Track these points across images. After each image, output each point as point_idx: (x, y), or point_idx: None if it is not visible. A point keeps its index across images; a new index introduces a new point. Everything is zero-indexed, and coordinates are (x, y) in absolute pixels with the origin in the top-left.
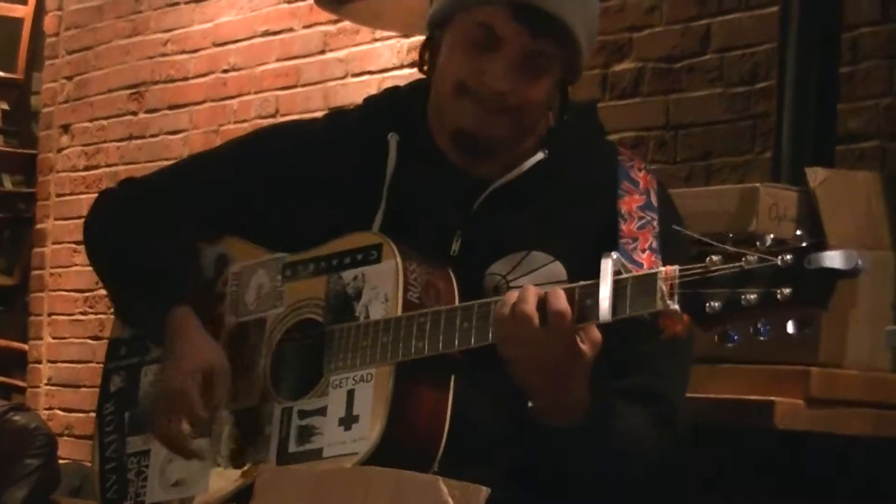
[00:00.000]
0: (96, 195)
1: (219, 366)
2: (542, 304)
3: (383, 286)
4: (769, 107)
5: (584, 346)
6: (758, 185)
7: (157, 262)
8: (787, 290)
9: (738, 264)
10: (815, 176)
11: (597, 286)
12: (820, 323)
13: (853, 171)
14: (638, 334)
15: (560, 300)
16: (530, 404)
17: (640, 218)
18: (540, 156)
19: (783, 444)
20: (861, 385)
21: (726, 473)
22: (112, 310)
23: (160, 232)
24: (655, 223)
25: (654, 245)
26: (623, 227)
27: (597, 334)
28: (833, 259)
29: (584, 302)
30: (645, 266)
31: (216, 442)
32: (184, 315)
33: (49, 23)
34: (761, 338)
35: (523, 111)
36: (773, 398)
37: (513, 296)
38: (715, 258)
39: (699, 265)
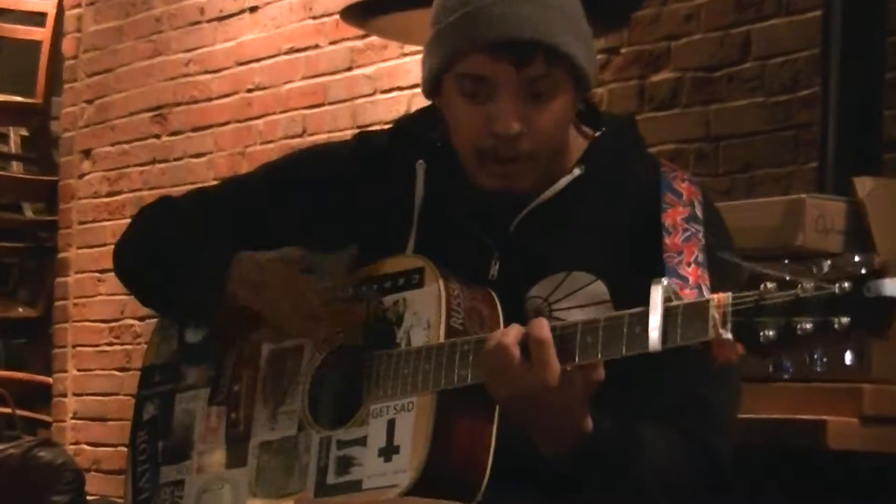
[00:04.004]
0: (126, 218)
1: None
2: (524, 338)
3: (425, 312)
4: (812, 116)
5: (578, 383)
6: (804, 196)
7: (200, 252)
8: (844, 319)
9: (793, 292)
10: (863, 186)
11: (646, 314)
12: (871, 339)
13: None
14: (681, 353)
15: (541, 329)
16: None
17: (685, 230)
18: (577, 172)
19: (836, 464)
20: None
21: (777, 495)
22: (137, 341)
23: (197, 242)
24: (701, 235)
25: (700, 258)
26: (667, 240)
27: (599, 373)
28: (894, 287)
29: (634, 330)
30: (691, 280)
31: (252, 471)
32: (244, 257)
33: (68, 45)
34: (817, 369)
35: (541, 146)
36: (824, 417)
37: (498, 332)
38: (769, 285)
39: (753, 292)
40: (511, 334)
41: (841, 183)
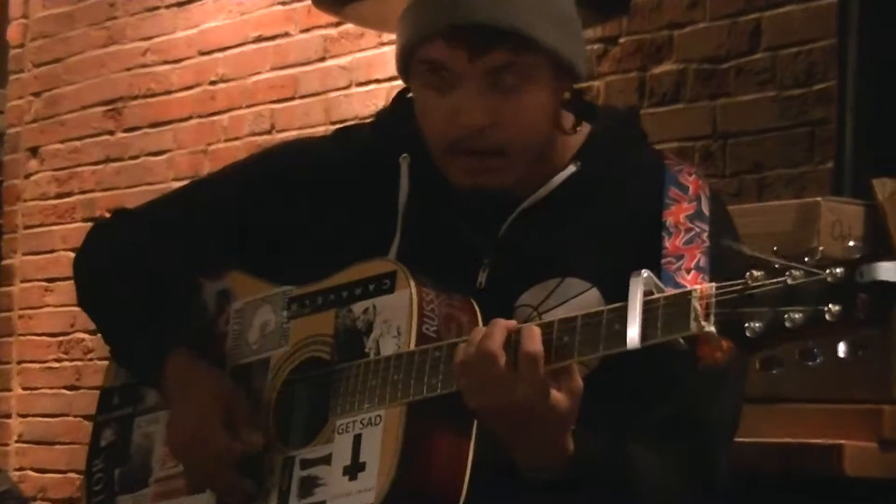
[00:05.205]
0: (76, 222)
1: (232, 394)
2: (513, 342)
3: (396, 318)
4: (828, 111)
5: (560, 395)
6: (818, 199)
7: (155, 302)
8: (836, 308)
9: (781, 279)
10: (884, 188)
11: (624, 309)
12: (890, 354)
13: None
14: (671, 357)
15: (533, 341)
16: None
17: (688, 230)
18: (572, 169)
19: (854, 492)
20: None
21: None
22: (89, 356)
23: (158, 269)
24: (705, 236)
25: (702, 263)
26: (668, 242)
27: (577, 382)
28: (889, 271)
29: (612, 327)
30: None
31: (213, 497)
32: (182, 355)
33: (13, 32)
34: (810, 363)
35: (513, 140)
36: (841, 441)
37: (479, 332)
38: (757, 273)
39: (738, 281)
40: (496, 338)
41: (859, 185)
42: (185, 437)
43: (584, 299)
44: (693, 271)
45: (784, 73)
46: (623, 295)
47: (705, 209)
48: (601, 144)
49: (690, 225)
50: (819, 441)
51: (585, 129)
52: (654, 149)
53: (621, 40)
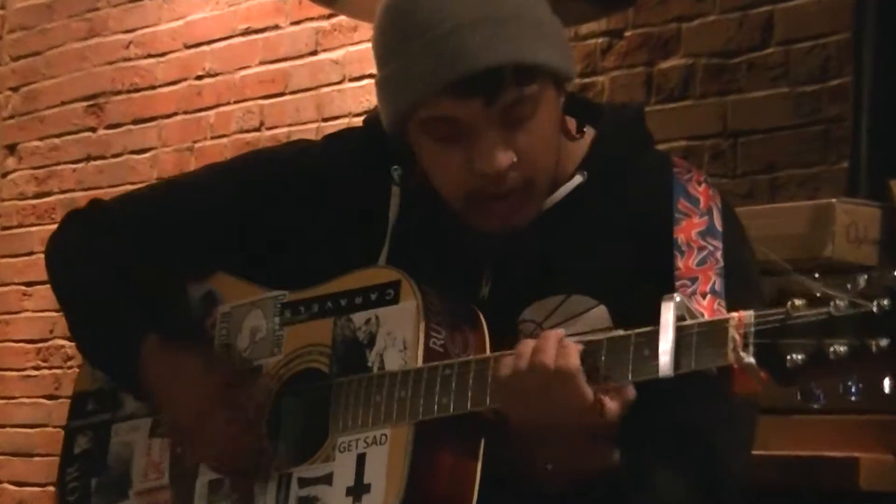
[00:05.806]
0: (56, 223)
1: (224, 371)
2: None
3: (401, 331)
4: (843, 109)
5: (612, 405)
6: (833, 200)
7: (130, 296)
8: (883, 342)
9: (825, 310)
10: None
11: (656, 334)
12: None
13: None
14: (691, 384)
15: (570, 356)
16: (549, 466)
17: (701, 248)
18: (578, 179)
19: None
20: None
21: None
22: (69, 364)
23: (136, 262)
24: (719, 254)
25: (717, 286)
26: (680, 263)
27: (629, 391)
28: None
29: (641, 352)
30: (706, 315)
31: None
32: (156, 342)
33: None
34: (852, 398)
35: (536, 169)
36: (856, 454)
37: (528, 345)
38: (798, 302)
39: (779, 310)
40: (549, 352)
41: (875, 185)
42: (188, 419)
43: (589, 317)
44: (709, 295)
45: (797, 68)
46: (631, 312)
47: (717, 224)
48: (607, 152)
49: (703, 242)
50: (833, 454)
51: (590, 132)
52: (662, 153)
53: (627, 33)
